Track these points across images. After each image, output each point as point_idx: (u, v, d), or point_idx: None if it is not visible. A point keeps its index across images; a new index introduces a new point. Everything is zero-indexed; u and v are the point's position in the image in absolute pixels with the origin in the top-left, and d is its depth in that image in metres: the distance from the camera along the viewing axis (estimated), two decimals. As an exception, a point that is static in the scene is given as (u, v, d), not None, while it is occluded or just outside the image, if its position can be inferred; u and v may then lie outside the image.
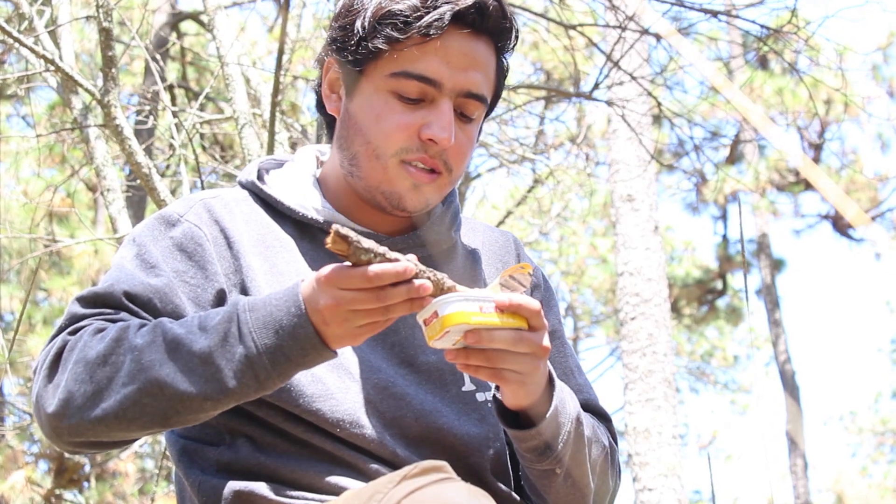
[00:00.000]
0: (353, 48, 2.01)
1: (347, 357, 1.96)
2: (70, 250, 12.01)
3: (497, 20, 2.01)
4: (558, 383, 1.95)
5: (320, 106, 2.13)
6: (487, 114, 2.11)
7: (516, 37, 2.07)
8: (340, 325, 1.71)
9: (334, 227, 1.63)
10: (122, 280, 1.92)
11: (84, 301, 1.91)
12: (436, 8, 1.97)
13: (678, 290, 20.11)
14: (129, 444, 1.90)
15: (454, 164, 2.00)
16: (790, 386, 19.20)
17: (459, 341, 1.77)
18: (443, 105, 1.97)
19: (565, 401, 1.96)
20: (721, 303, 21.46)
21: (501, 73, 2.08)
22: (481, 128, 2.11)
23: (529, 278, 1.85)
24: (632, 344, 10.13)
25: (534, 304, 1.78)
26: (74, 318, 1.89)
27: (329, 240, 1.63)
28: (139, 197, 10.36)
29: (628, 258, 10.37)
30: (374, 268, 1.65)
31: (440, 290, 1.70)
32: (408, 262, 1.66)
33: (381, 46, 1.98)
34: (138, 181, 5.30)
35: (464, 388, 2.04)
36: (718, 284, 20.82)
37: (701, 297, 20.91)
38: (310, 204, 2.06)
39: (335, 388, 1.94)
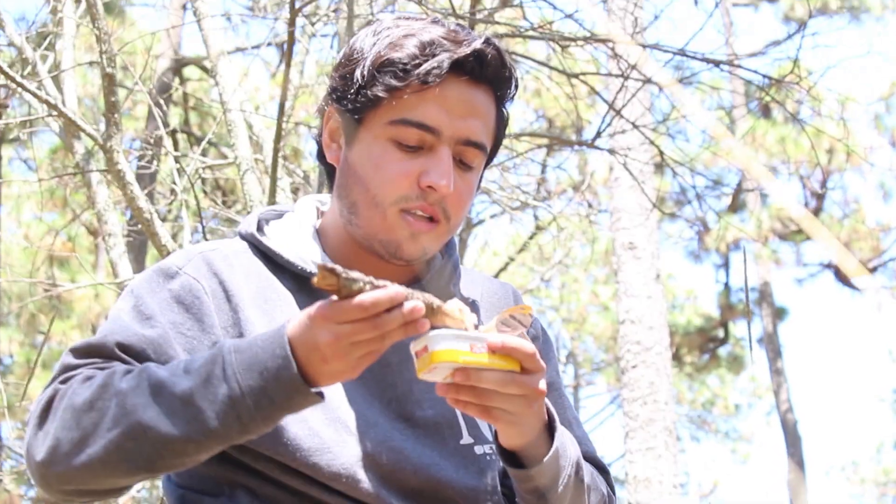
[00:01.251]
0: (352, 97, 2.02)
1: (344, 411, 1.95)
2: (70, 294, 12.01)
3: (496, 69, 2.02)
4: (560, 426, 1.94)
5: (321, 156, 2.13)
6: (487, 162, 2.10)
7: (516, 86, 2.08)
8: (342, 360, 1.69)
9: (319, 263, 1.62)
10: (117, 331, 1.92)
11: (77, 352, 1.91)
12: (434, 56, 1.97)
13: (680, 338, 20.08)
14: (120, 493, 1.87)
15: (453, 213, 2.00)
16: (792, 435, 19.12)
17: (449, 377, 1.77)
18: (442, 152, 1.97)
19: (566, 445, 1.96)
20: (722, 351, 21.42)
21: (502, 121, 2.08)
22: (482, 177, 2.11)
23: (530, 319, 1.84)
24: (633, 392, 10.10)
25: (528, 346, 1.77)
26: (67, 368, 1.88)
27: (316, 278, 1.62)
28: (140, 241, 10.36)
29: (630, 306, 10.35)
30: (368, 296, 1.64)
31: (432, 310, 1.70)
32: (396, 287, 1.65)
33: (380, 94, 1.98)
34: (140, 226, 5.30)
35: (462, 442, 2.03)
36: (720, 333, 20.79)
37: (702, 345, 20.87)
38: (309, 256, 2.05)
39: (332, 441, 1.92)
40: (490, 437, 2.06)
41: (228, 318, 1.97)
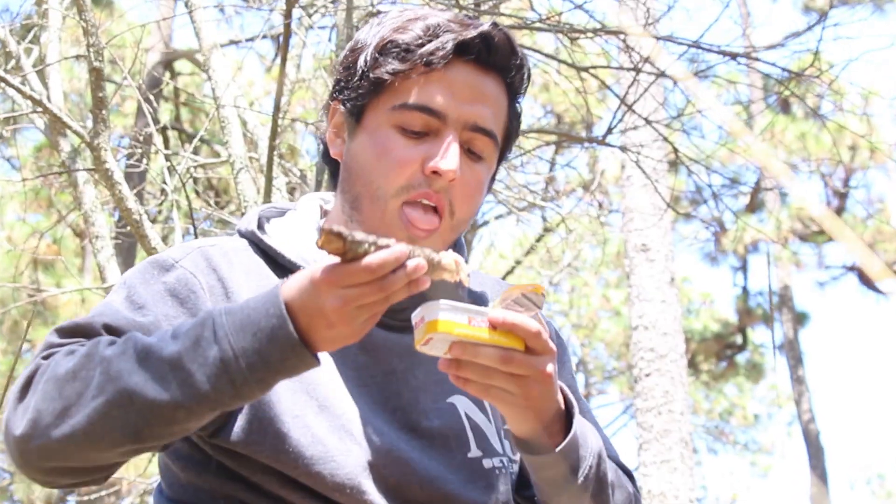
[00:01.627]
0: (355, 84, 2.04)
1: (349, 419, 1.95)
2: (56, 300, 12.02)
3: (505, 55, 2.03)
4: (578, 415, 1.93)
5: (326, 155, 2.14)
6: (499, 161, 2.11)
7: (528, 76, 2.09)
8: (348, 324, 1.70)
9: (325, 226, 1.62)
10: (106, 314, 1.91)
11: (62, 332, 1.89)
12: (438, 38, 1.99)
13: (695, 344, 20.07)
14: (104, 473, 1.85)
15: (458, 205, 2.00)
16: (814, 447, 19.10)
17: (449, 353, 1.77)
18: (448, 137, 1.98)
19: (587, 435, 1.95)
20: (741, 358, 21.39)
21: (514, 115, 2.09)
22: (494, 175, 2.11)
23: (542, 299, 1.82)
24: (646, 402, 10.10)
25: (532, 324, 1.77)
26: (50, 346, 1.87)
27: (320, 241, 1.63)
28: (129, 244, 10.37)
29: (643, 311, 10.35)
30: (375, 258, 1.65)
31: (431, 265, 1.71)
32: (400, 245, 1.67)
33: (383, 77, 2.00)
34: (128, 227, 5.31)
35: (469, 455, 2.03)
36: (738, 339, 20.77)
37: (719, 352, 20.86)
38: (311, 256, 2.06)
39: (336, 450, 1.92)
40: (500, 449, 2.06)
41: None
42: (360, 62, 2.04)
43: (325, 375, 1.97)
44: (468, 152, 2.01)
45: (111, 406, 1.73)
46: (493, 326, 1.76)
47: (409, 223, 1.98)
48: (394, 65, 2.00)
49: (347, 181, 2.05)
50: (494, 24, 2.02)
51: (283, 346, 1.70)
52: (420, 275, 1.68)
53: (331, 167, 2.15)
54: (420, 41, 1.99)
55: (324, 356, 1.97)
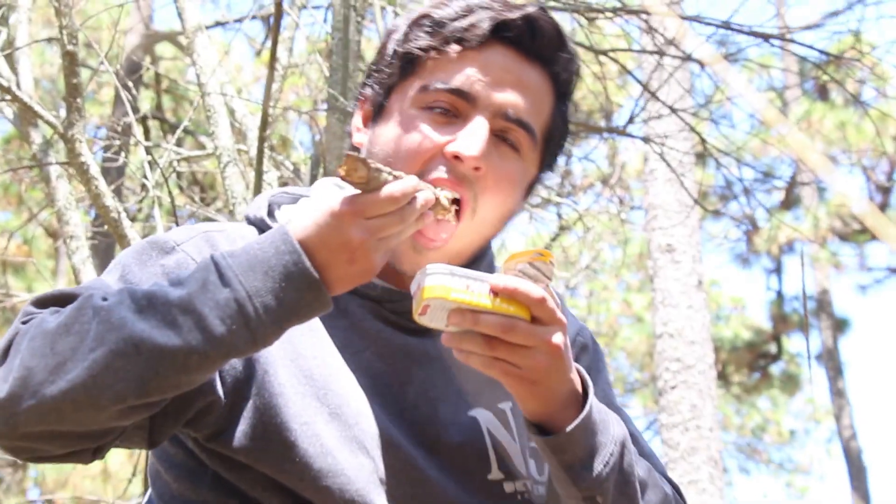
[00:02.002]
0: (385, 64, 2.05)
1: (364, 429, 1.95)
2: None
3: (552, 44, 2.02)
4: (593, 397, 1.92)
5: (352, 150, 2.13)
6: (542, 170, 2.09)
7: (577, 72, 2.08)
8: (368, 259, 1.74)
9: (348, 153, 1.67)
10: (94, 286, 1.89)
11: (42, 301, 1.87)
12: (475, 14, 2.00)
13: (726, 354, 20.05)
14: (96, 442, 1.82)
15: (483, 201, 1.97)
16: (856, 466, 19.08)
17: (448, 322, 1.78)
18: (475, 120, 1.97)
19: (607, 421, 1.94)
20: (775, 369, 21.37)
21: (560, 117, 2.07)
22: (534, 183, 2.08)
23: (552, 268, 1.82)
24: (672, 417, 10.10)
25: (535, 290, 1.77)
26: (29, 315, 1.85)
27: (344, 168, 1.68)
28: (106, 245, 10.36)
29: (668, 317, 10.35)
30: (395, 187, 1.71)
31: (440, 204, 1.81)
32: (411, 176, 1.74)
33: (412, 52, 2.01)
34: (106, 227, 5.31)
35: (490, 477, 2.02)
36: (772, 348, 20.76)
37: (752, 362, 20.85)
38: None
39: (347, 464, 1.92)
40: (524, 470, 2.05)
41: None
42: (392, 42, 2.05)
43: (339, 380, 1.97)
44: (503, 140, 2.00)
45: (114, 356, 1.71)
46: (495, 293, 1.76)
47: (418, 235, 1.95)
48: (425, 39, 2.01)
49: None
50: (542, 9, 2.02)
51: (299, 283, 1.72)
52: (429, 207, 1.76)
53: None
54: (455, 16, 2.00)
55: (337, 359, 1.97)
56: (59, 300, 1.86)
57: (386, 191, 1.70)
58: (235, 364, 1.90)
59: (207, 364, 1.74)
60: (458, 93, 1.98)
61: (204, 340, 1.71)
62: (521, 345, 1.78)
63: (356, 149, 2.11)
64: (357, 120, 2.12)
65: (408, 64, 2.02)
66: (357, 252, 1.72)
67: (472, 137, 1.95)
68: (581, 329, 2.23)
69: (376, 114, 2.06)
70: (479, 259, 2.11)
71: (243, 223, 2.14)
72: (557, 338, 1.80)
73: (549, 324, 1.79)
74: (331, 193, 1.75)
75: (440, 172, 1.95)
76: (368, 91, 2.10)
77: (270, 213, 2.12)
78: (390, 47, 2.05)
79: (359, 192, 1.72)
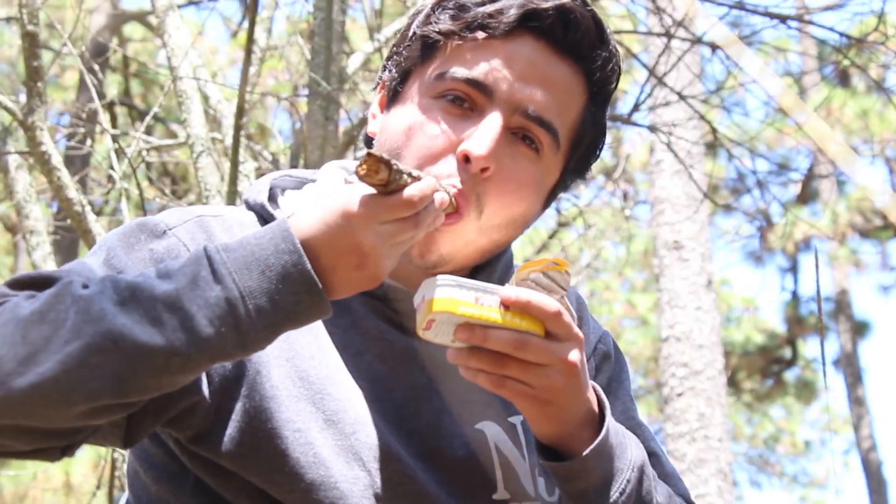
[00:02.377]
0: (404, 48, 2.04)
1: (360, 439, 1.93)
2: (-17, 305, 12.04)
3: (588, 40, 1.99)
4: (611, 418, 1.91)
5: (367, 140, 2.13)
6: (568, 180, 2.06)
7: (617, 74, 2.04)
8: (378, 265, 1.73)
9: (369, 151, 1.66)
10: (74, 270, 1.87)
11: (16, 283, 1.84)
12: (504, 0, 1.97)
13: (736, 359, 20.10)
14: (63, 442, 1.79)
15: (489, 203, 1.95)
16: (875, 479, 19.13)
17: (455, 338, 1.76)
18: (490, 116, 1.94)
19: (624, 444, 1.93)
20: (790, 375, 21.42)
21: (591, 121, 2.04)
22: (556, 189, 2.06)
23: (568, 278, 1.81)
24: (679, 426, 10.11)
25: (550, 303, 1.76)
26: (2, 296, 1.80)
27: (363, 168, 1.67)
28: (70, 240, 10.37)
29: (675, 319, 10.37)
30: (414, 191, 1.70)
31: (452, 205, 1.82)
32: (429, 177, 1.73)
33: (433, 35, 1.99)
34: (69, 220, 5.30)
35: (495, 496, 2.01)
36: (787, 353, 20.81)
37: (765, 368, 20.89)
38: None
39: (340, 476, 1.90)
40: (532, 490, 2.04)
41: None
42: (414, 24, 2.03)
43: (337, 383, 1.95)
44: (522, 139, 1.97)
45: (91, 351, 1.68)
46: (506, 306, 1.75)
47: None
48: (446, 23, 1.98)
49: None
50: (582, 2, 1.98)
51: (298, 286, 1.70)
52: (445, 208, 1.76)
53: (368, 146, 2.12)
54: (482, 1, 1.97)
55: (336, 361, 1.96)
56: (36, 283, 1.82)
57: (406, 194, 1.69)
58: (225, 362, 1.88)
59: (191, 366, 1.72)
60: (475, 84, 1.95)
61: (189, 341, 1.69)
62: (534, 362, 1.77)
63: (369, 139, 2.10)
64: (374, 107, 2.10)
65: (427, 48, 2.00)
66: (367, 257, 1.71)
67: (483, 136, 1.92)
68: (603, 335, 2.22)
69: (391, 99, 2.05)
70: (494, 263, 2.10)
71: (242, 208, 2.12)
72: (574, 355, 1.79)
73: (564, 340, 1.78)
74: (343, 190, 1.72)
75: (453, 176, 1.92)
76: (386, 75, 2.08)
77: (272, 199, 2.10)
78: (412, 29, 2.03)
79: (373, 191, 1.70)
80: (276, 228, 1.73)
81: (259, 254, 1.71)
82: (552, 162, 2.00)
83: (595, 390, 1.90)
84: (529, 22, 1.96)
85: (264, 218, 2.06)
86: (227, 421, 1.89)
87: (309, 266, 1.70)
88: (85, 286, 1.74)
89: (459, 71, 1.96)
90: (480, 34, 1.96)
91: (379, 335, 2.00)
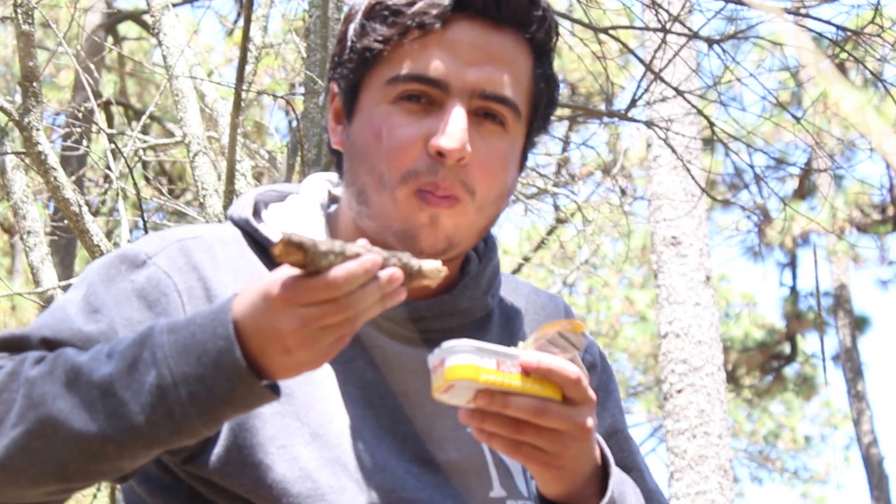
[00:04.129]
0: (347, 59, 2.03)
1: (346, 450, 1.93)
2: (-20, 307, 12.02)
3: (521, 6, 2.01)
4: (615, 471, 1.93)
5: (333, 151, 2.12)
6: (534, 134, 2.09)
7: (554, 30, 2.06)
8: (308, 349, 1.67)
9: (284, 234, 1.58)
10: (49, 325, 1.89)
11: None
12: None
13: (736, 355, 20.09)
14: None
15: (478, 184, 1.96)
16: (876, 474, 19.12)
17: (472, 401, 1.76)
18: (451, 108, 1.95)
19: (625, 495, 1.95)
20: (789, 371, 21.42)
21: (544, 79, 2.06)
22: (526, 153, 2.09)
23: (583, 339, 1.81)
24: (678, 423, 10.11)
25: (571, 370, 1.76)
26: None
27: (278, 250, 1.59)
28: (67, 241, 10.37)
29: (673, 316, 10.36)
30: (338, 272, 1.61)
31: (410, 274, 1.67)
32: (371, 254, 1.63)
33: (373, 46, 1.99)
34: (66, 221, 5.30)
35: (492, 495, 2.01)
36: (786, 348, 20.80)
37: (764, 363, 20.89)
38: None
39: (328, 487, 1.90)
40: (525, 490, 2.04)
41: None
42: (350, 32, 2.03)
43: (323, 395, 1.95)
44: (484, 117, 1.99)
45: (32, 437, 1.71)
46: (526, 372, 1.75)
47: (427, 200, 1.95)
48: (382, 31, 1.98)
49: (350, 172, 2.03)
50: None
51: (230, 373, 1.67)
52: (395, 287, 1.65)
53: (337, 159, 2.12)
54: (410, 1, 1.97)
55: (325, 370, 1.95)
56: (10, 346, 1.86)
57: (330, 275, 1.61)
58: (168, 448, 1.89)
59: (128, 454, 1.72)
60: (428, 81, 1.96)
61: (121, 429, 1.69)
62: (551, 428, 1.78)
63: (337, 152, 2.10)
64: (329, 119, 2.11)
65: (369, 58, 2.00)
66: (290, 342, 1.65)
67: (451, 129, 1.94)
68: (590, 345, 2.22)
69: (348, 111, 2.05)
70: (488, 244, 2.13)
71: (226, 224, 2.12)
72: (589, 419, 1.80)
73: (581, 404, 1.79)
74: (273, 273, 1.66)
75: (430, 174, 1.94)
76: (335, 87, 2.08)
77: (256, 213, 2.10)
78: (349, 37, 2.03)
79: (297, 272, 1.63)
80: (220, 309, 1.69)
81: (199, 336, 1.68)
82: (517, 129, 2.03)
83: (599, 443, 1.91)
84: (462, 7, 1.97)
85: (249, 233, 2.06)
86: (214, 439, 1.89)
87: (238, 353, 1.66)
88: (41, 359, 1.76)
89: (409, 72, 1.96)
90: (418, 32, 1.97)
91: (370, 342, 2.00)
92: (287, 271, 1.64)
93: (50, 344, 1.86)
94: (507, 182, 2.02)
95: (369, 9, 2.00)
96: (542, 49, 2.05)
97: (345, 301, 1.63)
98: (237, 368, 1.66)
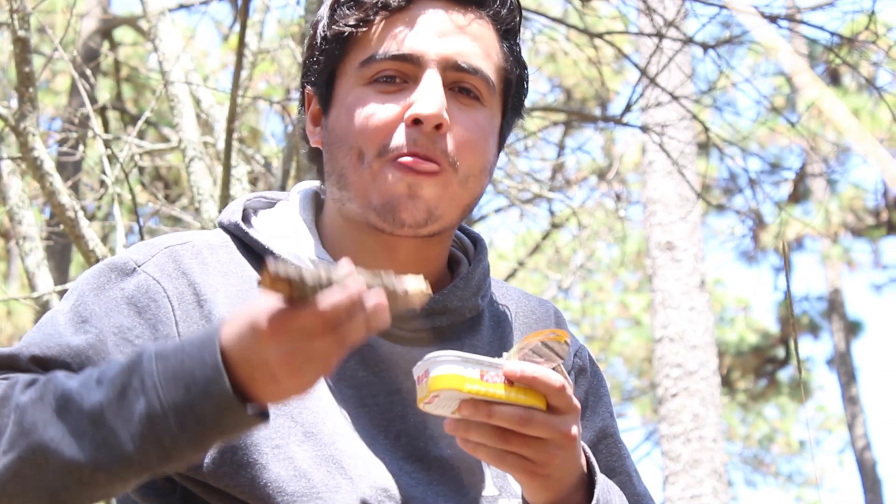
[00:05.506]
0: (318, 53, 2.08)
1: (340, 448, 1.94)
2: (-24, 311, 12.01)
3: None
4: (601, 479, 1.93)
5: (311, 155, 2.15)
6: (508, 115, 2.12)
7: (518, 11, 2.11)
8: (295, 377, 1.67)
9: (270, 267, 1.59)
10: (38, 341, 1.90)
11: None
12: None
13: (730, 359, 20.10)
14: None
15: (460, 156, 1.99)
16: (870, 479, 19.13)
17: (457, 411, 1.77)
18: (426, 78, 2.00)
19: (612, 502, 1.95)
20: (783, 375, 21.42)
21: (514, 59, 2.10)
22: (504, 134, 2.12)
23: (566, 348, 1.82)
24: (673, 427, 10.10)
25: (555, 378, 1.76)
26: None
27: (264, 283, 1.60)
28: (62, 246, 10.35)
29: (668, 320, 10.36)
30: (325, 303, 1.61)
31: (396, 298, 1.67)
32: (356, 281, 1.63)
33: (344, 29, 2.04)
34: (62, 226, 5.29)
35: (484, 493, 2.02)
36: (780, 352, 20.80)
37: (758, 368, 20.89)
38: (305, 253, 2.05)
39: (322, 486, 1.91)
40: (517, 488, 2.04)
41: (198, 327, 1.96)
42: (320, 28, 2.08)
43: (316, 394, 1.96)
44: (459, 92, 2.02)
45: (24, 464, 1.72)
46: (510, 381, 1.75)
47: (406, 170, 1.97)
48: (350, 16, 2.04)
49: (330, 162, 2.06)
50: None
51: (219, 403, 1.67)
52: (382, 313, 1.65)
53: (317, 162, 2.15)
54: None
55: None
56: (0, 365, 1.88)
57: (316, 307, 1.62)
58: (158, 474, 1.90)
59: (119, 481, 1.72)
60: (401, 58, 2.01)
61: (111, 458, 1.69)
62: (536, 437, 1.78)
63: (313, 154, 2.14)
64: (307, 124, 2.14)
65: (340, 45, 2.05)
66: (277, 371, 1.66)
67: (427, 95, 1.98)
68: (580, 349, 2.23)
69: (324, 106, 2.09)
70: (478, 246, 2.16)
71: (216, 231, 2.14)
72: (574, 427, 1.80)
73: (565, 413, 1.80)
74: (259, 303, 1.65)
75: (410, 145, 1.97)
76: (309, 89, 2.13)
77: (246, 219, 2.12)
78: (318, 35, 2.08)
79: (280, 302, 1.63)
80: (206, 337, 1.69)
81: (188, 364, 1.68)
82: (493, 104, 2.06)
83: (584, 451, 1.92)
84: None
85: (238, 237, 2.08)
86: None
87: (226, 382, 1.66)
88: (31, 383, 1.77)
89: (382, 51, 2.01)
90: (385, 13, 2.02)
91: (361, 342, 2.01)
92: (273, 301, 1.64)
93: (40, 361, 1.88)
94: (488, 156, 2.04)
95: (335, 2, 2.06)
96: (507, 26, 2.10)
97: (331, 331, 1.64)
98: (225, 398, 1.66)
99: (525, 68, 2.13)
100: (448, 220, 2.03)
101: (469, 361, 1.73)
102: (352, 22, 2.03)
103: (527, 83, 2.15)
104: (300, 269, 1.61)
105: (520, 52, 2.13)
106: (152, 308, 1.96)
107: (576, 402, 1.80)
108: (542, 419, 1.77)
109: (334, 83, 2.07)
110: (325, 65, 2.07)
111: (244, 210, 2.13)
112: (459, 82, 2.02)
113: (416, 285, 1.69)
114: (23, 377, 1.81)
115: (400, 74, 2.01)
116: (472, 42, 2.03)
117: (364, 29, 2.03)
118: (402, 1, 2.02)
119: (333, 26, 2.05)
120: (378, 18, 2.02)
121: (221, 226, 2.13)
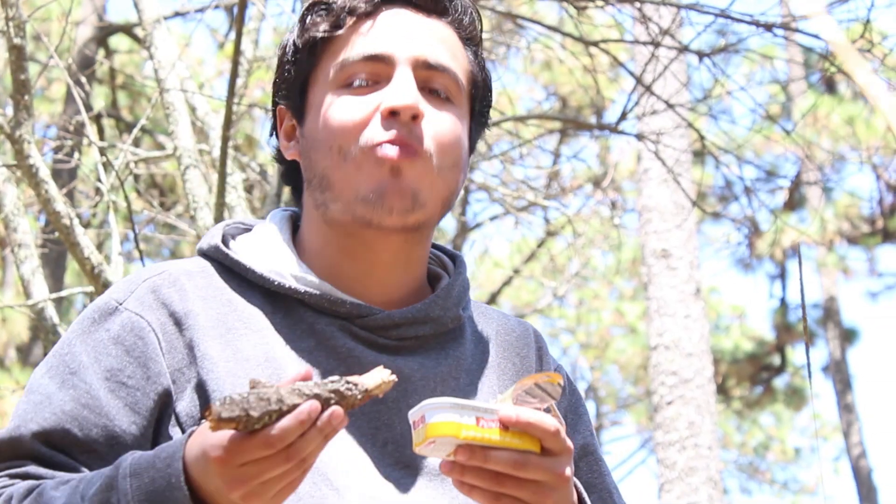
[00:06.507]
0: (290, 65, 2.13)
1: (326, 459, 1.94)
2: (-29, 319, 11.99)
3: None
4: None
5: (286, 176, 2.20)
6: (475, 120, 2.16)
7: (478, 20, 2.17)
8: (256, 500, 1.73)
9: (214, 409, 1.63)
10: (31, 413, 1.96)
11: None
12: None
13: (726, 367, 20.09)
14: None
15: (433, 146, 2.04)
16: (865, 486, 19.12)
17: (453, 454, 1.79)
18: (398, 73, 2.05)
19: None
20: (779, 382, 21.42)
21: (479, 66, 2.16)
22: (475, 137, 2.17)
23: (559, 389, 1.84)
24: (668, 434, 10.10)
25: (549, 422, 1.79)
26: None
27: (211, 425, 1.64)
28: (58, 253, 10.36)
29: (663, 328, 10.36)
30: (274, 430, 1.66)
31: (354, 403, 1.71)
32: (310, 400, 1.67)
33: (316, 35, 2.09)
34: (57, 234, 5.29)
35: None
36: (776, 360, 20.80)
37: (754, 375, 20.89)
38: (286, 270, 2.08)
39: (309, 498, 1.92)
40: None
41: (183, 356, 2.00)
42: (289, 44, 2.14)
43: None
44: (430, 93, 2.07)
45: None
46: (505, 426, 1.77)
47: (385, 157, 2.01)
48: (321, 23, 2.09)
49: (310, 168, 2.10)
50: None
51: None
52: (336, 424, 1.69)
53: (292, 184, 2.21)
54: None
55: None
56: (3, 453, 1.95)
57: (264, 435, 1.67)
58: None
59: None
60: (373, 58, 2.06)
61: None
62: (531, 479, 1.80)
63: (290, 172, 2.18)
64: (281, 141, 2.19)
65: (312, 53, 2.10)
66: (235, 497, 1.72)
67: (401, 88, 2.03)
68: (557, 368, 2.26)
69: (299, 118, 2.13)
70: (457, 261, 2.23)
71: (195, 258, 2.17)
72: (568, 469, 1.83)
73: (559, 454, 1.82)
74: (212, 435, 1.72)
75: (379, 131, 2.01)
76: (281, 106, 2.18)
77: (225, 243, 2.16)
78: (289, 49, 2.13)
79: (232, 432, 1.68)
80: (172, 454, 1.77)
81: (159, 482, 1.75)
82: (462, 105, 2.11)
83: (576, 486, 1.95)
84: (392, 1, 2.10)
85: (218, 261, 2.12)
86: None
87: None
88: (29, 491, 1.86)
89: (354, 54, 2.06)
90: (352, 19, 2.08)
91: (347, 353, 2.04)
92: (225, 432, 1.68)
93: (42, 435, 1.94)
94: (460, 152, 2.08)
95: (305, 11, 2.12)
96: (469, 35, 2.16)
97: (284, 454, 1.68)
98: None
99: (489, 73, 2.19)
100: (430, 212, 2.07)
101: (465, 408, 1.76)
102: (324, 27, 2.08)
103: (491, 90, 2.20)
104: (247, 404, 1.64)
105: (483, 60, 2.18)
106: (140, 346, 2.00)
107: (569, 443, 1.83)
108: (537, 462, 1.79)
109: (307, 92, 2.11)
110: (298, 75, 2.12)
111: (223, 236, 2.17)
112: (430, 81, 2.07)
113: (378, 377, 1.74)
114: (18, 489, 1.88)
115: (372, 76, 2.05)
116: (439, 43, 2.09)
117: (336, 33, 2.08)
118: (370, 6, 2.07)
119: (305, 34, 2.10)
120: (348, 22, 2.08)
121: (200, 252, 2.17)
